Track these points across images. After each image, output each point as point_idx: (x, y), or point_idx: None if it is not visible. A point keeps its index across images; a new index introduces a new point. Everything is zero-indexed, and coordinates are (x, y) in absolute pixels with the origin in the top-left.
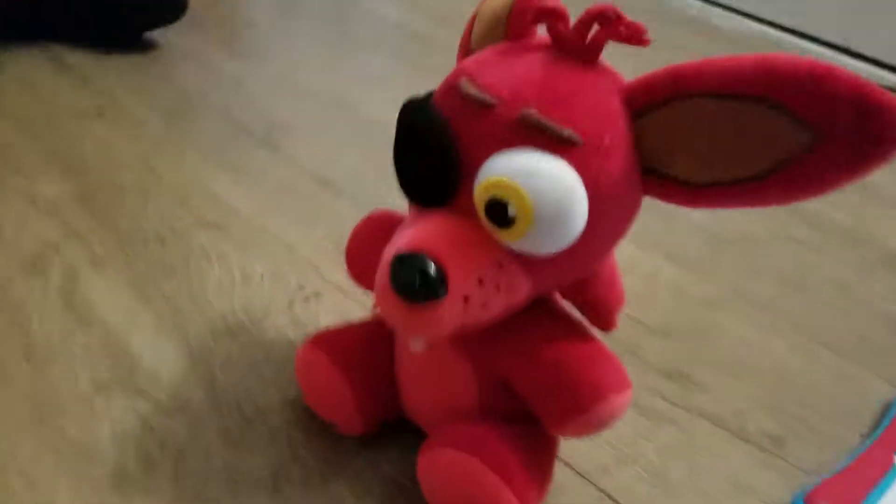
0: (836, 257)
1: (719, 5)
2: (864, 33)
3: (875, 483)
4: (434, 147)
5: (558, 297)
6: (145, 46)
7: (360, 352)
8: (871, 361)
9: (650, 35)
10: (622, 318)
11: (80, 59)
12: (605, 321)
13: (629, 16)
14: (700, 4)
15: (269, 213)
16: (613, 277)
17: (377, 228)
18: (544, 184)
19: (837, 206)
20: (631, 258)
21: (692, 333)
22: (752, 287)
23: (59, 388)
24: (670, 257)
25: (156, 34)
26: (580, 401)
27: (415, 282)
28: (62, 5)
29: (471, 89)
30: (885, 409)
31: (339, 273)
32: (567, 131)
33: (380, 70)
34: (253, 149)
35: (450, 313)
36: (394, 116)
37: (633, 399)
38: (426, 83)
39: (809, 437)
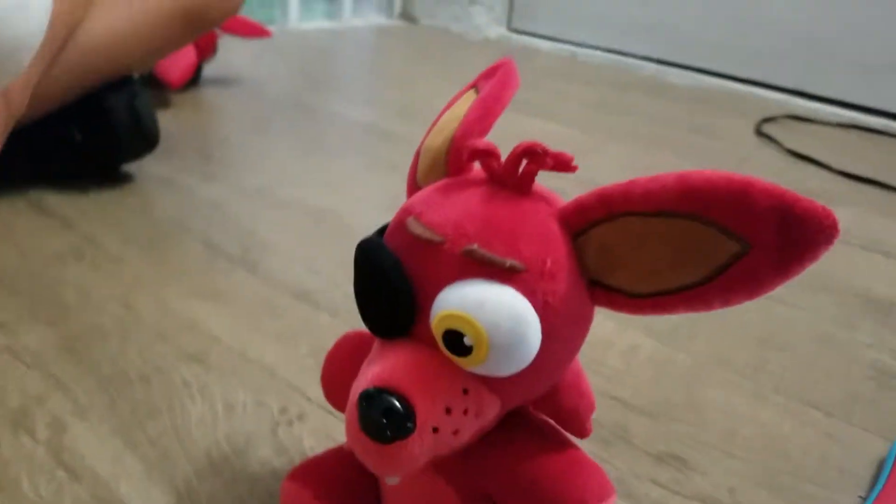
0: (815, 310)
1: (674, 64)
2: (817, 76)
3: None
4: (389, 288)
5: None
6: (121, 179)
7: (344, 481)
8: (862, 417)
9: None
10: (607, 401)
11: (57, 201)
12: (578, 429)
13: (584, 85)
14: (655, 66)
15: (249, 336)
16: (580, 384)
17: (350, 351)
18: (495, 312)
19: None
20: (609, 334)
21: (678, 409)
22: (733, 353)
23: None
24: (647, 331)
25: (131, 166)
26: None
27: (381, 422)
28: (37, 146)
29: (418, 229)
30: (880, 467)
31: (320, 390)
32: (509, 261)
33: (351, 172)
34: (231, 271)
35: (420, 447)
36: (367, 218)
37: (627, 488)
38: (395, 179)
39: None
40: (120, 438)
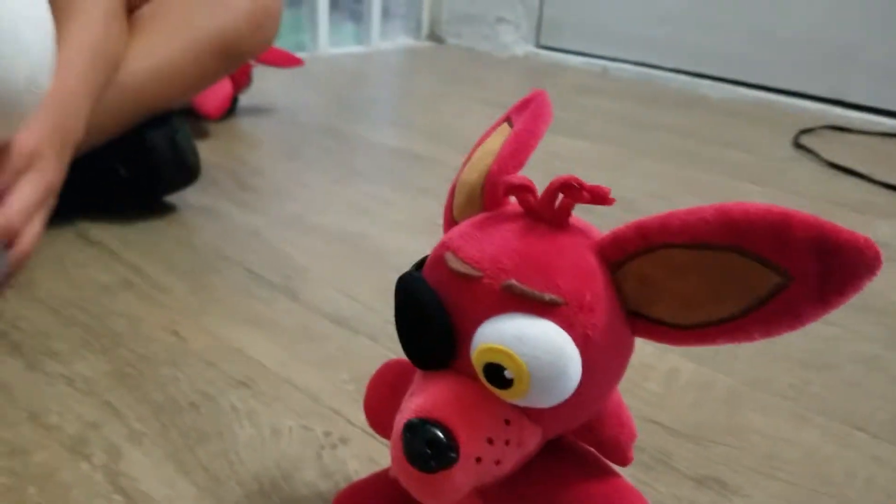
0: (858, 330)
1: (706, 76)
2: (854, 84)
3: None
4: (428, 323)
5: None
6: (163, 210)
7: None
8: None
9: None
10: (648, 425)
11: (103, 232)
12: (620, 458)
13: (615, 100)
14: (686, 78)
15: (292, 362)
16: (621, 414)
17: (391, 380)
18: (535, 346)
19: None
20: (648, 358)
21: (719, 432)
22: (774, 375)
23: None
24: (687, 354)
25: (172, 196)
26: None
27: (425, 452)
28: (83, 180)
29: (456, 263)
30: None
31: (362, 415)
32: (549, 296)
33: (383, 196)
34: (273, 298)
35: (463, 476)
36: (400, 242)
37: None
38: (426, 202)
39: None
40: (173, 463)
